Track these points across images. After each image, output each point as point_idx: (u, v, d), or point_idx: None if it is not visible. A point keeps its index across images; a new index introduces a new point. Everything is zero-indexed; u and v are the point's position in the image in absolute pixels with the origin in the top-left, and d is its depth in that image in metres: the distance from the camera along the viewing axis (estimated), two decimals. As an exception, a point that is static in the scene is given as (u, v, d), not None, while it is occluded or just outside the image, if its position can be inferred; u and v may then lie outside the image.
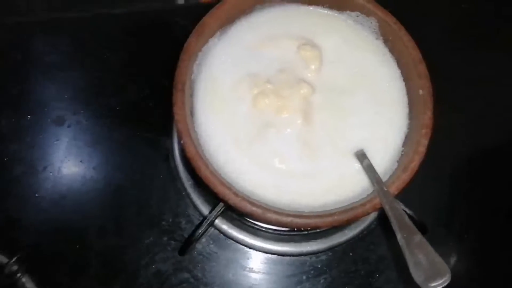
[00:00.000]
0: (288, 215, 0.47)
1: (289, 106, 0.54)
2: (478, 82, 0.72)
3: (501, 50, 0.75)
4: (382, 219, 0.64)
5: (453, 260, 0.63)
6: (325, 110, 0.55)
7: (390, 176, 0.51)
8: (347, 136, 0.54)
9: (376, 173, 0.50)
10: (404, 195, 0.59)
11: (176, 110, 0.50)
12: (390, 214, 0.46)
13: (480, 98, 0.71)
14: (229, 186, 0.48)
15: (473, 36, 0.75)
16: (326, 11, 0.59)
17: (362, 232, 0.63)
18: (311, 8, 0.59)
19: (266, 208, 0.47)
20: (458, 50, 0.74)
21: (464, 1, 0.77)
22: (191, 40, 0.53)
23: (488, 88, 0.72)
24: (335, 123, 0.54)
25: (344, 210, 0.48)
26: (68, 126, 0.67)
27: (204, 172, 0.48)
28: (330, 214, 0.48)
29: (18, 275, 0.59)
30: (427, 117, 0.51)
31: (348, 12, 0.58)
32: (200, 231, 0.57)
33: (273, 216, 0.47)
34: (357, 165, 0.52)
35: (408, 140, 0.53)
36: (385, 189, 0.48)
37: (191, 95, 0.54)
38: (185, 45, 0.52)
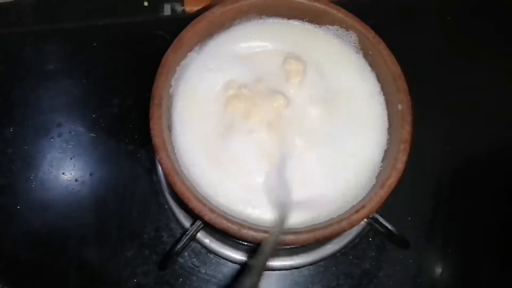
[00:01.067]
0: (264, 231, 0.47)
1: (259, 116, 0.54)
2: (461, 95, 0.72)
3: (485, 63, 0.75)
4: (365, 234, 0.63)
5: (436, 274, 0.63)
6: (297, 125, 0.54)
7: (368, 193, 0.51)
8: (324, 152, 0.53)
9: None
10: (385, 209, 0.59)
11: (153, 124, 0.50)
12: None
13: (462, 110, 0.71)
14: (204, 202, 0.47)
15: (457, 49, 0.75)
16: (306, 25, 0.59)
17: (345, 246, 0.63)
18: (290, 22, 0.59)
19: (242, 224, 0.47)
20: (441, 63, 0.73)
21: (449, 14, 0.77)
22: (169, 54, 0.52)
23: (471, 102, 0.72)
24: (309, 139, 0.54)
25: (320, 227, 0.47)
26: (51, 138, 0.67)
27: (179, 188, 0.48)
28: (306, 231, 0.47)
29: (-2, 287, 0.59)
30: (405, 132, 0.50)
31: (327, 26, 0.58)
32: (180, 245, 0.57)
33: (249, 233, 0.46)
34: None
35: (387, 155, 0.53)
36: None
37: (169, 109, 0.53)
38: (163, 59, 0.52)
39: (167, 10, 0.77)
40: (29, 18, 0.77)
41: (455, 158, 0.69)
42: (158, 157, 0.49)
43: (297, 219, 0.50)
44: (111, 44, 0.73)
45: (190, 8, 0.76)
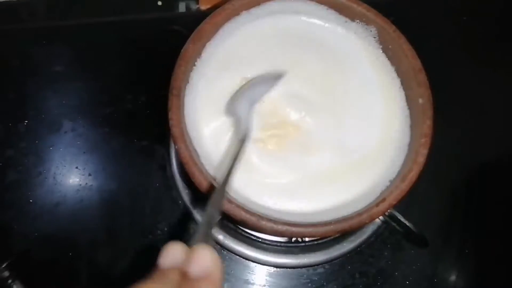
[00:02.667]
0: (284, 223, 0.46)
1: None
2: (479, 97, 0.71)
3: (502, 65, 0.74)
4: (381, 232, 0.63)
5: (453, 275, 0.62)
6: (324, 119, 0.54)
7: (388, 186, 0.50)
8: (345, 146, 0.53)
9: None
10: (404, 208, 0.59)
11: (172, 115, 0.49)
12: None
13: (482, 113, 0.70)
14: (223, 193, 0.47)
15: (475, 50, 0.74)
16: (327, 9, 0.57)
17: (360, 245, 0.62)
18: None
19: (261, 216, 0.46)
20: (458, 64, 0.73)
21: (465, 15, 0.77)
22: (188, 46, 0.52)
23: (490, 103, 0.71)
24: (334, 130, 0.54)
25: (340, 219, 0.47)
26: (65, 132, 0.66)
27: (198, 178, 0.47)
28: (326, 223, 0.46)
29: (9, 281, 0.58)
30: (426, 126, 0.50)
31: (347, 19, 0.57)
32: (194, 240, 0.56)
33: (268, 224, 0.46)
34: None
35: (408, 149, 0.52)
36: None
37: (188, 100, 0.53)
38: (182, 50, 0.52)
39: (181, 8, 0.77)
40: (41, 14, 0.77)
41: (474, 159, 0.68)
42: (176, 147, 0.48)
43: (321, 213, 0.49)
44: (125, 40, 0.73)
45: (205, 6, 0.76)
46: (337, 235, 0.61)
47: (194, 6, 0.76)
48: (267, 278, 0.61)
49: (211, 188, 0.47)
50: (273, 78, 0.53)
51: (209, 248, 0.33)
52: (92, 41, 0.73)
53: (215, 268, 0.33)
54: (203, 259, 0.32)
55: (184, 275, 0.32)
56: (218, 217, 0.39)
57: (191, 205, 0.63)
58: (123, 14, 0.76)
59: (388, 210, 0.49)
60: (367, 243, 0.62)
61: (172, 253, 0.33)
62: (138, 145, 0.67)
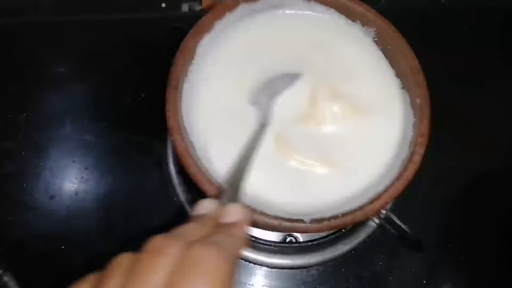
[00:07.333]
0: (276, 217, 0.46)
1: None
2: (480, 102, 0.71)
3: (505, 74, 0.75)
4: (376, 236, 0.62)
5: (448, 281, 0.61)
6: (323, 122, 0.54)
7: (385, 185, 0.50)
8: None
9: None
10: (400, 211, 0.58)
11: (169, 107, 0.49)
12: None
13: (482, 118, 0.70)
14: (217, 185, 0.47)
15: (477, 58, 0.75)
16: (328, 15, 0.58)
17: (355, 248, 0.61)
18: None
19: (254, 209, 0.46)
20: (460, 73, 0.73)
21: (467, 23, 0.77)
22: (188, 39, 0.52)
23: (491, 108, 0.71)
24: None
25: (334, 216, 0.46)
26: (63, 126, 0.67)
27: (192, 170, 0.47)
28: (319, 219, 0.46)
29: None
30: (423, 126, 0.50)
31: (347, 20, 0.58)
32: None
33: (260, 218, 0.45)
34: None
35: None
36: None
37: (186, 94, 0.53)
38: (182, 43, 0.52)
39: (184, 8, 0.77)
40: (47, 9, 0.77)
41: (472, 164, 0.68)
42: (172, 138, 0.48)
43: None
44: (128, 37, 0.74)
45: (207, 7, 0.76)
46: (330, 234, 0.60)
47: (197, 7, 0.77)
48: (260, 278, 0.60)
49: (206, 180, 0.46)
50: (292, 77, 0.55)
51: (240, 204, 0.38)
52: (95, 38, 0.74)
53: (245, 217, 0.38)
54: (236, 211, 0.37)
55: (216, 223, 0.36)
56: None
57: (186, 202, 0.63)
58: (127, 13, 0.77)
59: (383, 209, 0.48)
60: (362, 246, 0.62)
61: (205, 206, 0.38)
62: (136, 140, 0.67)
